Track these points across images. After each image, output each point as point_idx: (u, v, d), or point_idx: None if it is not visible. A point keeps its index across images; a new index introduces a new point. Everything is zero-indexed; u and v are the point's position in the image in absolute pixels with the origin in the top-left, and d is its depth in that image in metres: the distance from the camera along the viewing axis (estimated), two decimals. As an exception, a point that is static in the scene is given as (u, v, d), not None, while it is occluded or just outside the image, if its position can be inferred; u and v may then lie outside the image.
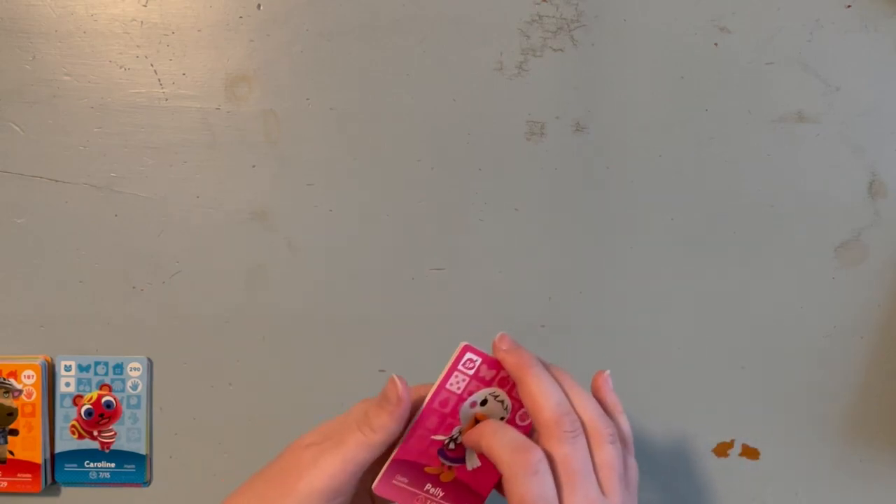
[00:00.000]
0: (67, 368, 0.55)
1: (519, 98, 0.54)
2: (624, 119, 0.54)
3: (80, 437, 0.55)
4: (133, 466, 0.55)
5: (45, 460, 0.55)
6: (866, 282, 0.55)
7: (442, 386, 0.39)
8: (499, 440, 0.36)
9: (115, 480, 0.55)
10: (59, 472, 0.55)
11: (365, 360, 0.55)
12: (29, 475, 0.54)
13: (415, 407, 0.39)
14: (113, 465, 0.55)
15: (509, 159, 0.54)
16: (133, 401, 0.55)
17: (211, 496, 0.56)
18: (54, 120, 0.54)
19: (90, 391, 0.55)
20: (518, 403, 0.40)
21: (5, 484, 0.54)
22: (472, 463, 0.40)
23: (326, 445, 0.38)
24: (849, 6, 0.54)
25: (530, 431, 0.40)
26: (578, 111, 0.54)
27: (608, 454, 0.37)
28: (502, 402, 0.40)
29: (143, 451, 0.55)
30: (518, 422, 0.40)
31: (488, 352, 0.39)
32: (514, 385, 0.39)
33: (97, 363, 0.55)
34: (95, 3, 0.54)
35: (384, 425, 0.38)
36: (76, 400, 0.55)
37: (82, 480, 0.55)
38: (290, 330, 0.55)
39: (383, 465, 0.39)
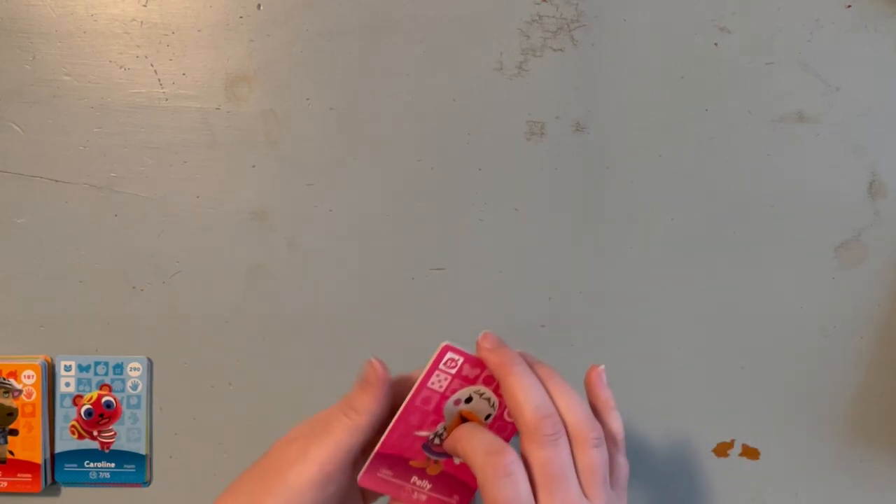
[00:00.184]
0: (67, 368, 0.55)
1: (519, 98, 0.54)
2: (624, 119, 0.54)
3: (80, 437, 0.55)
4: (133, 466, 0.55)
5: (45, 460, 0.55)
6: (866, 282, 0.55)
7: (423, 385, 0.39)
8: (472, 444, 0.36)
9: (115, 480, 0.55)
10: (59, 472, 0.55)
11: (365, 359, 0.55)
12: (29, 475, 0.54)
13: (398, 389, 0.39)
14: (113, 465, 0.55)
15: (509, 159, 0.54)
16: (133, 401, 0.55)
17: (211, 496, 0.55)
18: (54, 120, 0.54)
19: (90, 391, 0.55)
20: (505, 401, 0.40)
21: (5, 484, 0.54)
22: (459, 458, 0.40)
23: (313, 436, 0.38)
24: (849, 6, 0.54)
25: None
26: (578, 111, 0.54)
27: (591, 458, 0.36)
28: (488, 399, 0.40)
29: (143, 451, 0.55)
30: (506, 418, 0.40)
31: (472, 351, 0.39)
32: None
33: (97, 363, 0.55)
34: (95, 3, 0.54)
35: (367, 407, 0.38)
36: (76, 400, 0.55)
37: (82, 480, 0.55)
38: (290, 330, 0.55)
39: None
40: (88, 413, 0.55)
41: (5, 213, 0.54)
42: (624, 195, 0.55)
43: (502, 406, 0.40)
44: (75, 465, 0.55)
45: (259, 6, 0.54)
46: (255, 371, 0.55)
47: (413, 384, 0.39)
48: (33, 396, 0.54)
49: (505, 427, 0.40)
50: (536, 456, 0.35)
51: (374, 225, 0.55)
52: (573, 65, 0.54)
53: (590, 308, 0.55)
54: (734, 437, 0.56)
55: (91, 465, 0.55)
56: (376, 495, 0.42)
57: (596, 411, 0.39)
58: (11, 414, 0.54)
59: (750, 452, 0.56)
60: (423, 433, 0.39)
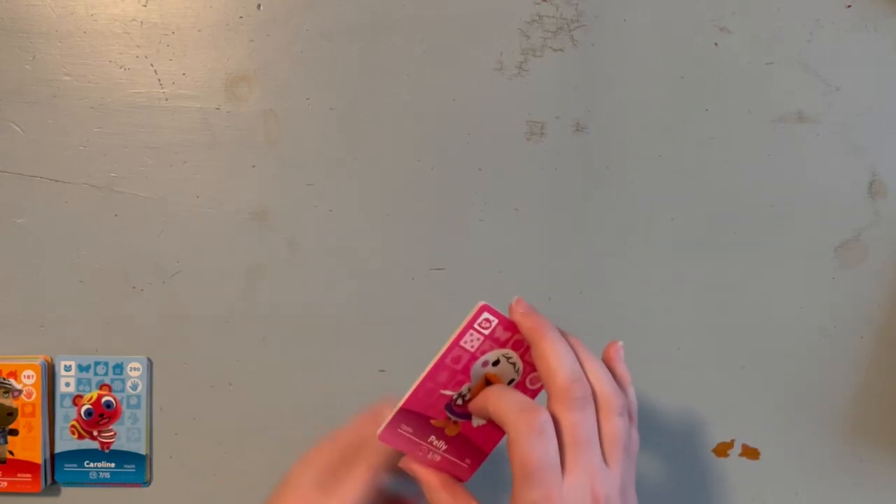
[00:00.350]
0: (67, 368, 0.55)
1: (519, 98, 0.54)
2: (624, 119, 0.54)
3: (80, 437, 0.55)
4: (133, 466, 0.55)
5: (45, 460, 0.55)
6: (866, 282, 0.55)
7: (456, 343, 0.39)
8: (505, 401, 0.36)
9: (115, 480, 0.55)
10: (59, 472, 0.55)
11: (365, 360, 0.55)
12: (29, 475, 0.54)
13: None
14: (113, 465, 0.55)
15: (509, 159, 0.54)
16: (133, 401, 0.55)
17: (211, 496, 0.56)
18: (54, 120, 0.54)
19: (90, 391, 0.55)
20: (530, 367, 0.40)
21: (5, 484, 0.54)
22: (478, 420, 0.40)
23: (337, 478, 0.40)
24: (849, 6, 0.54)
25: (537, 397, 0.40)
26: (578, 111, 0.54)
27: (616, 426, 0.36)
28: (514, 364, 0.40)
29: (143, 451, 0.55)
30: (528, 385, 0.40)
31: (506, 314, 0.39)
32: (527, 349, 0.39)
33: (97, 363, 0.55)
34: (95, 3, 0.54)
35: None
36: (76, 400, 0.55)
37: (82, 480, 0.55)
38: (290, 330, 0.55)
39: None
40: (88, 413, 0.55)
41: (5, 213, 0.54)
42: (624, 195, 0.55)
43: (526, 372, 0.40)
44: (75, 465, 0.55)
45: (259, 6, 0.54)
46: (255, 371, 0.55)
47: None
48: (33, 396, 0.54)
49: (527, 394, 0.40)
50: (565, 417, 0.35)
51: (374, 225, 0.55)
52: (573, 65, 0.54)
53: (590, 308, 0.55)
54: (734, 437, 0.56)
55: (91, 465, 0.55)
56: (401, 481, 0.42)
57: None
58: (11, 414, 0.54)
59: (750, 452, 0.56)
60: (448, 392, 0.39)
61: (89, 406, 0.55)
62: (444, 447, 0.40)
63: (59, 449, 0.55)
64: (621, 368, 0.40)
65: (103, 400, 0.55)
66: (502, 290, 0.55)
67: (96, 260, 0.55)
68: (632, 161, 0.54)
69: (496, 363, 0.40)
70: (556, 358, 0.37)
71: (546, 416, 0.35)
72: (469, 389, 0.40)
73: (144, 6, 0.54)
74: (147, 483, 0.56)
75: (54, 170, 0.54)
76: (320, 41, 0.54)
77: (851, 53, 0.54)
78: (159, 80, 0.54)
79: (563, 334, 0.39)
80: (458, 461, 0.41)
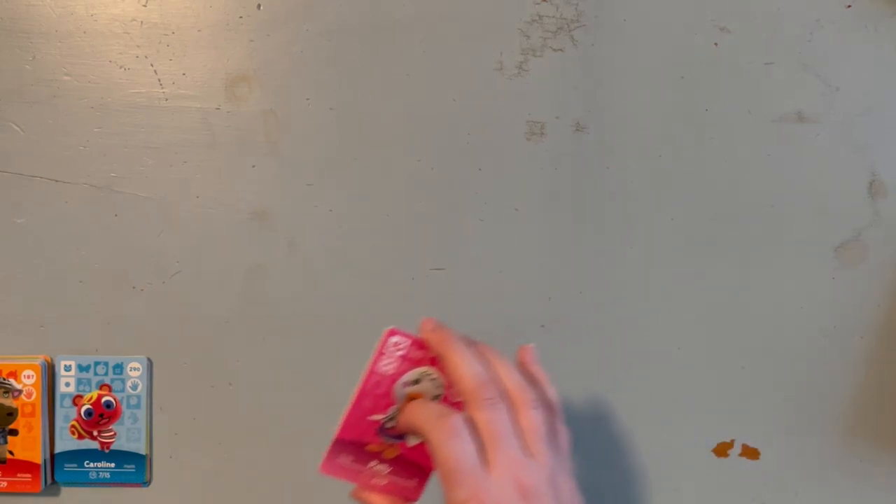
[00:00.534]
0: (67, 368, 0.55)
1: (519, 98, 0.54)
2: (624, 119, 0.54)
3: (80, 437, 0.55)
4: (133, 466, 0.55)
5: (45, 460, 0.55)
6: (866, 282, 0.55)
7: (372, 370, 0.40)
8: (421, 413, 0.38)
9: (115, 480, 0.55)
10: (59, 472, 0.55)
11: (365, 360, 0.55)
12: (29, 475, 0.54)
13: None
14: (113, 465, 0.55)
15: (509, 159, 0.54)
16: (133, 401, 0.55)
17: (211, 496, 0.56)
18: (54, 120, 0.54)
19: (90, 391, 0.55)
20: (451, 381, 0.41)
21: (5, 484, 0.54)
22: (413, 439, 0.42)
23: None
24: (849, 6, 0.54)
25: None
26: (578, 111, 0.54)
27: (531, 418, 0.38)
28: (435, 380, 0.41)
29: (143, 451, 0.55)
30: (452, 399, 0.42)
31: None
32: None
33: (97, 363, 0.55)
34: (95, 3, 0.54)
35: None
36: (76, 400, 0.55)
37: (82, 480, 0.55)
38: (290, 330, 0.55)
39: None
40: (88, 413, 0.55)
41: (5, 213, 0.54)
42: (624, 195, 0.55)
43: (448, 387, 0.41)
44: (75, 465, 0.55)
45: (259, 6, 0.54)
46: (255, 371, 0.55)
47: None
48: (33, 396, 0.54)
49: (453, 407, 0.42)
50: (479, 417, 0.37)
51: (374, 225, 0.55)
52: (573, 65, 0.54)
53: (590, 308, 0.55)
54: (734, 437, 0.56)
55: (91, 465, 0.55)
56: None
57: (531, 384, 0.42)
58: (11, 414, 0.54)
59: (750, 452, 0.56)
60: (377, 417, 0.41)
61: (89, 406, 0.55)
62: (388, 470, 0.42)
63: (59, 449, 0.55)
64: (535, 369, 0.42)
65: (103, 400, 0.55)
66: (502, 290, 0.55)
67: (96, 260, 0.55)
68: (632, 161, 0.54)
69: (416, 382, 0.41)
70: (462, 365, 0.38)
71: (459, 419, 0.37)
72: (397, 411, 0.41)
73: (144, 6, 0.54)
74: (147, 483, 0.56)
75: (54, 170, 0.54)
76: (320, 41, 0.54)
77: (851, 53, 0.54)
78: (159, 80, 0.54)
79: (470, 343, 0.40)
80: (404, 481, 0.42)
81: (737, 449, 0.56)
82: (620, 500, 0.56)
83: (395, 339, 0.40)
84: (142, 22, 0.54)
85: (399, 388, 0.41)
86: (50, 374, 0.55)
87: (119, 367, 0.55)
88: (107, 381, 0.55)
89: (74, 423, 0.55)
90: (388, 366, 0.40)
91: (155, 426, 0.56)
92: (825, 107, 0.54)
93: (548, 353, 0.55)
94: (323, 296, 0.55)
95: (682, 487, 0.56)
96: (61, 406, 0.55)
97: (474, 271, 0.55)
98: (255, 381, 0.55)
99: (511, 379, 0.39)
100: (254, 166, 0.54)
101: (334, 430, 0.40)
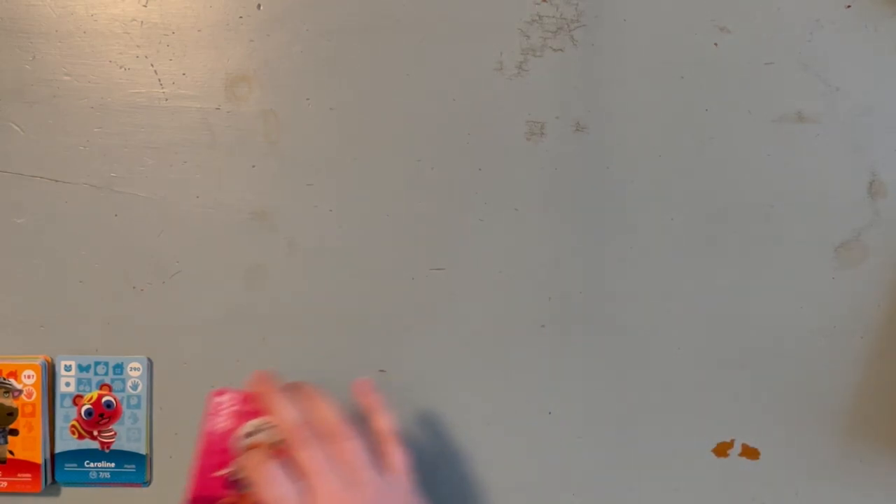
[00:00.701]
0: (67, 368, 0.55)
1: (519, 98, 0.54)
2: (624, 119, 0.54)
3: (80, 437, 0.55)
4: (133, 466, 0.55)
5: (45, 460, 0.55)
6: (866, 282, 0.55)
7: (207, 431, 0.43)
8: (247, 464, 0.42)
9: (115, 480, 0.55)
10: (59, 472, 0.55)
11: (365, 360, 0.55)
12: (29, 475, 0.54)
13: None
14: (113, 465, 0.55)
15: (509, 159, 0.54)
16: (133, 401, 0.55)
17: (211, 496, 0.56)
18: (54, 120, 0.54)
19: (90, 391, 0.55)
20: None
21: (5, 484, 0.54)
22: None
23: None
24: (849, 6, 0.54)
25: None
26: (578, 111, 0.54)
27: (350, 450, 0.42)
28: (274, 428, 0.44)
29: (143, 451, 0.55)
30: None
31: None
32: None
33: (97, 363, 0.55)
34: (95, 3, 0.54)
35: None
36: (76, 400, 0.55)
37: (82, 480, 0.55)
38: (290, 330, 0.55)
39: None
40: (88, 413, 0.55)
41: (5, 213, 0.54)
42: (624, 195, 0.55)
43: None
44: (75, 465, 0.55)
45: (259, 6, 0.54)
46: (255, 371, 0.55)
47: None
48: (33, 396, 0.54)
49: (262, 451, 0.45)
50: (299, 456, 0.41)
51: (374, 225, 0.55)
52: (573, 65, 0.54)
53: (590, 308, 0.55)
54: (734, 437, 0.56)
55: (91, 465, 0.55)
56: None
57: (367, 414, 0.46)
58: (11, 414, 0.54)
59: (750, 452, 0.56)
60: (223, 472, 0.44)
61: (89, 406, 0.55)
62: None
63: (59, 449, 0.55)
64: (370, 399, 0.46)
65: (103, 400, 0.55)
66: (502, 290, 0.55)
67: (96, 260, 0.55)
68: (632, 161, 0.54)
69: (252, 434, 0.44)
70: (279, 412, 0.43)
71: (272, 464, 0.40)
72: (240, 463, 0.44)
73: (144, 6, 0.54)
74: (147, 483, 0.56)
75: (54, 170, 0.54)
76: (320, 41, 0.54)
77: (851, 53, 0.54)
78: (159, 80, 0.54)
79: (297, 388, 0.44)
80: None
81: (736, 449, 0.56)
82: (620, 500, 0.56)
83: (222, 398, 0.45)
84: (142, 22, 0.54)
85: (239, 441, 0.44)
86: (50, 374, 0.55)
87: (119, 367, 0.55)
88: (107, 381, 0.55)
89: (75, 423, 0.55)
90: (220, 424, 0.45)
91: (155, 426, 0.56)
92: (825, 107, 0.54)
93: (548, 353, 0.55)
94: (323, 296, 0.55)
95: (681, 487, 0.56)
96: (61, 406, 0.55)
97: (474, 271, 0.55)
98: (255, 381, 0.55)
99: (325, 416, 0.43)
100: (254, 166, 0.54)
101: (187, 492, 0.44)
